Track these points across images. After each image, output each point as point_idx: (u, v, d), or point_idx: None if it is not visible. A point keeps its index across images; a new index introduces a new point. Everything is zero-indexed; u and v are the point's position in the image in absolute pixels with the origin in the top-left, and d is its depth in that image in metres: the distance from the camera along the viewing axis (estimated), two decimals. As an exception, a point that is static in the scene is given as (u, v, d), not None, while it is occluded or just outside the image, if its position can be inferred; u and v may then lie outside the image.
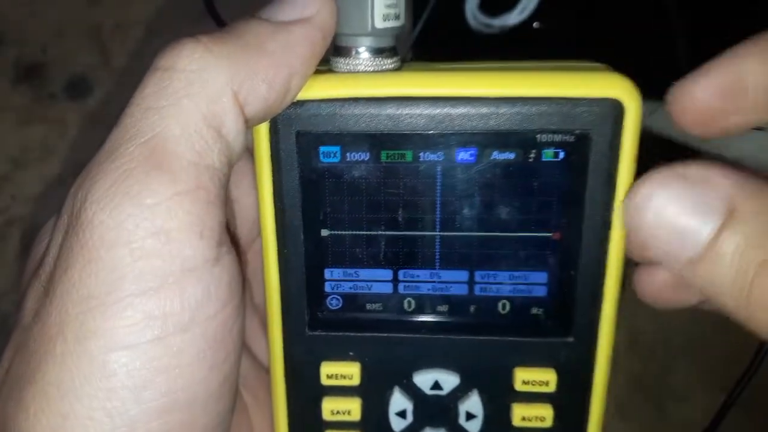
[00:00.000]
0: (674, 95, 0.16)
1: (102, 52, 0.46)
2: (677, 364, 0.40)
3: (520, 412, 0.20)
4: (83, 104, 0.45)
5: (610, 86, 0.17)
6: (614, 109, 0.17)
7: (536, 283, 0.19)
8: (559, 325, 0.19)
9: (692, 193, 0.14)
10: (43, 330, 0.15)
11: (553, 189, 0.18)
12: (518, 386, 0.19)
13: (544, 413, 0.19)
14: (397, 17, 0.18)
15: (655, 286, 0.17)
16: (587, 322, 0.19)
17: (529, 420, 0.20)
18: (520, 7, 0.41)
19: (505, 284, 0.19)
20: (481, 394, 0.20)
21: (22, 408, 0.15)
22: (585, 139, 0.17)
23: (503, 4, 0.41)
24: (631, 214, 0.15)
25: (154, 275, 0.14)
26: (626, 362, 0.39)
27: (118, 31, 0.46)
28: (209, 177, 0.15)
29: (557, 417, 0.20)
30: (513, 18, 0.41)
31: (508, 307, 0.19)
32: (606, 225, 0.18)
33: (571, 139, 0.17)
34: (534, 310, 0.19)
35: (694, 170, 0.15)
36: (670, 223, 0.15)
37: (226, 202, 0.17)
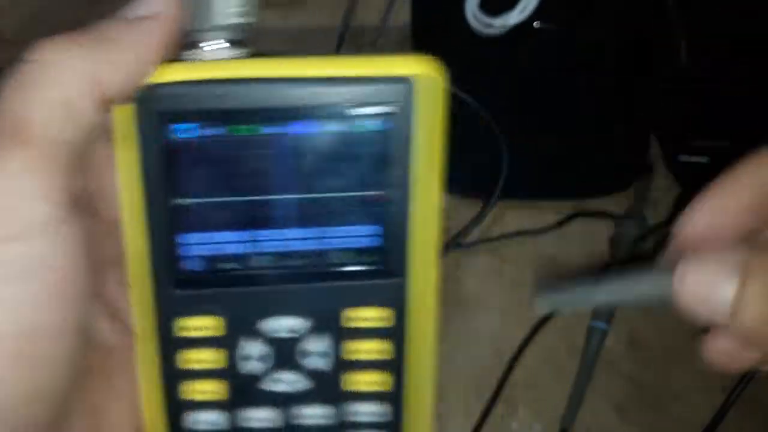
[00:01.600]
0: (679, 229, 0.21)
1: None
2: (677, 364, 0.40)
3: (356, 348, 0.23)
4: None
5: (409, 66, 0.21)
6: (411, 85, 0.21)
7: (362, 235, 0.22)
8: (385, 269, 0.23)
9: (709, 266, 0.19)
10: None
11: (369, 154, 0.22)
12: (353, 324, 0.23)
13: (377, 347, 0.23)
14: (240, 15, 0.21)
15: (718, 351, 0.20)
16: (408, 267, 0.23)
17: (365, 353, 0.23)
18: (520, 6, 0.41)
19: (337, 238, 0.22)
20: (324, 334, 0.23)
21: None
22: (395, 113, 0.21)
23: (504, 4, 0.41)
24: (678, 294, 0.19)
25: (5, 225, 0.17)
26: (625, 363, 0.40)
27: None
28: (60, 149, 0.18)
29: (392, 349, 0.23)
30: (513, 17, 0.41)
31: (342, 257, 0.23)
32: (413, 182, 0.22)
33: (380, 111, 0.21)
34: (363, 258, 0.23)
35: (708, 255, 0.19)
36: (700, 294, 0.19)
37: (94, 187, 0.21)
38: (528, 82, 0.42)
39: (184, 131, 0.21)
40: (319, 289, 0.23)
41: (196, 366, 0.23)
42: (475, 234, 0.42)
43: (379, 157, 0.21)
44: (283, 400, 0.23)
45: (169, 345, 0.23)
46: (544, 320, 0.40)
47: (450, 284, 0.41)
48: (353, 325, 0.23)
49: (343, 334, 0.23)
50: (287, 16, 0.45)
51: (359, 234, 0.22)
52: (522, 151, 0.42)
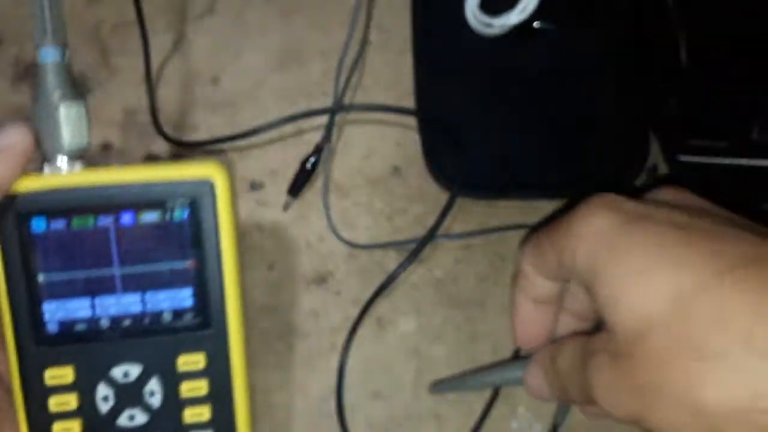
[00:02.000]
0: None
1: (101, 52, 0.47)
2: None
3: (185, 386, 0.30)
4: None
5: (206, 169, 0.29)
6: (209, 184, 0.29)
7: (186, 296, 0.30)
8: (202, 323, 0.30)
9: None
10: None
11: (186, 236, 0.29)
12: (181, 368, 0.30)
13: (202, 384, 0.30)
14: (81, 140, 0.28)
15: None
16: (219, 318, 0.30)
17: (193, 390, 0.30)
18: (520, 6, 0.41)
19: (166, 300, 0.29)
20: (159, 376, 0.30)
21: None
22: (196, 204, 0.29)
23: (504, 4, 0.41)
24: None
25: None
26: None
27: (118, 31, 0.46)
28: None
29: (211, 386, 0.30)
30: (513, 17, 0.41)
31: (170, 315, 0.30)
32: (221, 256, 0.29)
33: (188, 203, 0.29)
34: (187, 315, 0.30)
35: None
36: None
37: None
38: (527, 81, 0.42)
39: (36, 226, 0.28)
40: (155, 341, 0.29)
41: (60, 409, 0.29)
42: (472, 230, 0.42)
43: (190, 238, 0.29)
44: None
45: (37, 393, 0.29)
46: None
47: (448, 282, 0.41)
48: (184, 368, 0.30)
49: (176, 376, 0.30)
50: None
51: (182, 296, 0.30)
52: (521, 150, 0.42)
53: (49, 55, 0.27)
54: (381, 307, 0.41)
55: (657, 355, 0.22)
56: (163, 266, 0.29)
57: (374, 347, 0.40)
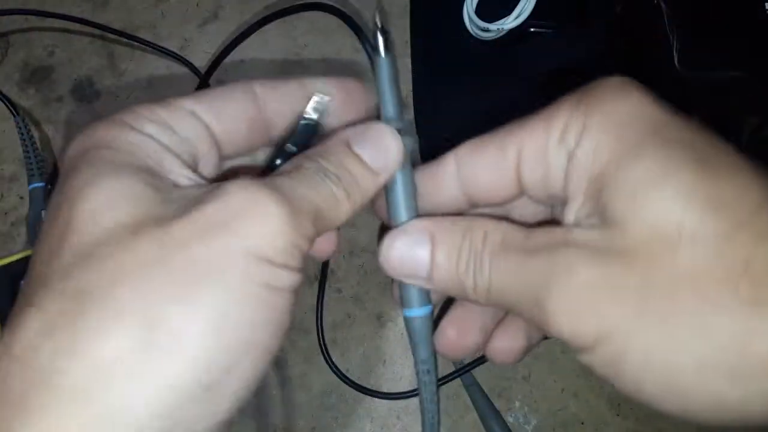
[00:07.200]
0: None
1: (108, 56, 0.47)
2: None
3: None
4: (90, 107, 0.46)
5: None
6: None
7: None
8: None
9: (407, 236, 0.21)
10: None
11: None
12: None
13: None
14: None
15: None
16: None
17: None
18: (516, 11, 0.42)
19: None
20: None
21: None
22: None
23: (500, 9, 0.42)
24: (385, 261, 0.22)
25: None
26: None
27: (124, 36, 0.47)
28: None
29: None
30: (509, 22, 0.42)
31: None
32: None
33: None
34: None
35: (406, 226, 0.22)
36: (403, 259, 0.21)
37: None
38: (523, 83, 0.43)
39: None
40: None
41: None
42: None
43: None
44: None
45: None
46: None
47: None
48: None
49: None
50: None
51: None
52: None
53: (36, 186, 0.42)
54: (381, 304, 0.41)
55: (684, 266, 0.16)
56: None
57: (375, 342, 0.41)
